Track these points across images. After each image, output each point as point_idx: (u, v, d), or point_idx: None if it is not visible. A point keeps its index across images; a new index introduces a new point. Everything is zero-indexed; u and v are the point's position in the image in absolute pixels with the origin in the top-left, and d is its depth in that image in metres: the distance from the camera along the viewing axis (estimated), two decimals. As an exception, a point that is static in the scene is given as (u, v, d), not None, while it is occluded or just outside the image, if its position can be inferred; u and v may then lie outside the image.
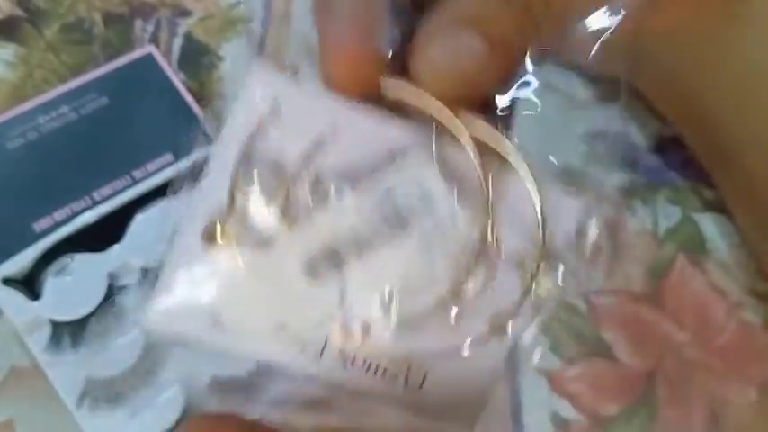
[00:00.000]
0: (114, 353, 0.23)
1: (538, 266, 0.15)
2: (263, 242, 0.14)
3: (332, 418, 0.16)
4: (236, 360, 0.24)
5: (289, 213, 0.14)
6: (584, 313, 0.27)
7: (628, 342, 0.27)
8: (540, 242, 0.16)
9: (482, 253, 0.14)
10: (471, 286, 0.15)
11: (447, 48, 0.14)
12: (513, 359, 0.26)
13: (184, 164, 0.26)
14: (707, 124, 0.27)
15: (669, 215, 0.30)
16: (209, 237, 0.14)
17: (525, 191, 0.15)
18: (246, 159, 0.14)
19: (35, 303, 0.24)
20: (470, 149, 0.15)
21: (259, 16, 0.31)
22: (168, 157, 0.26)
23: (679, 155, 0.31)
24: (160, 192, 0.26)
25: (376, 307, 0.14)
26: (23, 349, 0.24)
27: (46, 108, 0.27)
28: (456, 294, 0.14)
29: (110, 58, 0.29)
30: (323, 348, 0.15)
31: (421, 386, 0.15)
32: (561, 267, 0.16)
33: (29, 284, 0.24)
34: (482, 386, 0.16)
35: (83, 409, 0.23)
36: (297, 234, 0.14)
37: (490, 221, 0.15)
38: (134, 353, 0.23)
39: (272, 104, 0.14)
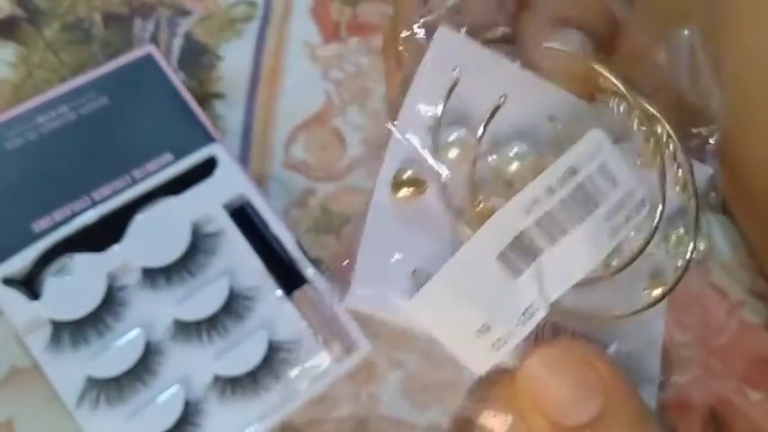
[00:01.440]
0: (114, 353, 0.23)
1: (696, 225, 0.16)
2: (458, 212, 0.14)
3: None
4: (236, 357, 0.24)
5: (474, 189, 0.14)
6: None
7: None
8: (692, 208, 0.16)
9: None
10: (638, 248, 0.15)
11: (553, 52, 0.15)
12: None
13: (184, 163, 0.27)
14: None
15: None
16: (398, 185, 0.14)
17: (670, 157, 0.16)
18: (438, 119, 0.14)
19: (35, 303, 0.24)
20: (638, 122, 0.15)
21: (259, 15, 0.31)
22: (168, 156, 0.26)
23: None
24: (160, 191, 0.26)
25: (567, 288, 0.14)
26: (23, 349, 0.24)
27: (46, 108, 0.27)
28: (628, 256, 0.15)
29: (110, 57, 0.29)
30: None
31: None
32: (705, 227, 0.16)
33: (29, 284, 0.24)
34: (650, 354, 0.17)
35: (82, 408, 0.23)
36: (490, 224, 0.14)
37: (663, 191, 0.15)
38: (134, 353, 0.23)
39: (455, 68, 0.15)
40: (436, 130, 0.14)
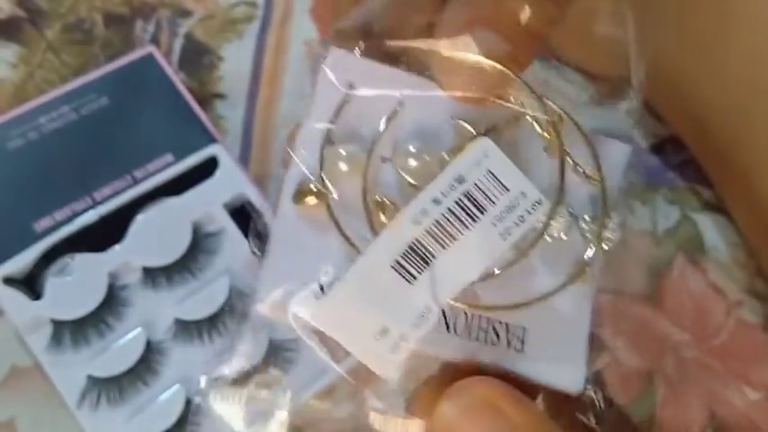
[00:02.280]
0: (115, 352, 0.23)
1: (603, 215, 0.16)
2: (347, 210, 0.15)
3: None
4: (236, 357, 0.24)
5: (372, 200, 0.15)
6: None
7: (627, 342, 0.27)
8: (599, 195, 0.17)
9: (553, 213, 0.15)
10: (547, 239, 0.16)
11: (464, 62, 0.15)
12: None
13: (185, 164, 0.27)
14: (706, 125, 0.27)
15: (668, 215, 0.30)
16: (299, 196, 0.15)
17: (581, 150, 0.17)
18: (330, 138, 0.15)
19: (36, 303, 0.24)
20: (532, 120, 0.16)
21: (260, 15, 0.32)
22: (169, 157, 0.26)
23: (678, 155, 0.31)
24: (161, 192, 0.26)
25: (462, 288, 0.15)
26: (24, 349, 0.24)
27: (47, 108, 0.27)
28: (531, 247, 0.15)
29: (110, 58, 0.29)
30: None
31: (522, 348, 0.16)
32: (616, 217, 0.17)
33: (30, 284, 0.24)
34: (575, 335, 0.16)
35: (84, 408, 0.23)
36: (383, 235, 0.15)
37: (560, 190, 0.16)
38: (135, 352, 0.23)
39: (349, 86, 0.16)
40: (323, 146, 0.15)
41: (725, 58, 0.26)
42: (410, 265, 0.15)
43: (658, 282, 0.28)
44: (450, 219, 0.15)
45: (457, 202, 0.15)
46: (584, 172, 0.17)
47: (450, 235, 0.15)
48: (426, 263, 0.15)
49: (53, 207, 0.25)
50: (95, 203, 0.25)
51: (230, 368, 0.24)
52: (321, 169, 0.15)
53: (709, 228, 0.29)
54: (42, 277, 0.24)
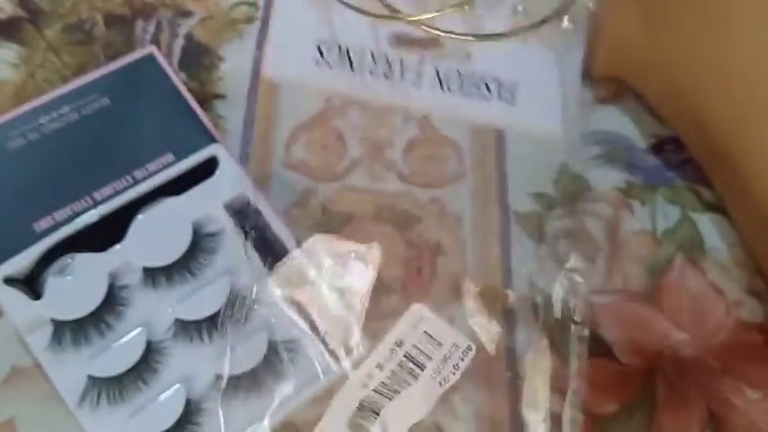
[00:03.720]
0: (115, 352, 0.23)
1: None
2: None
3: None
4: (237, 357, 0.24)
5: None
6: (584, 312, 0.27)
7: (627, 341, 0.27)
8: None
9: None
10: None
11: None
12: (513, 358, 0.27)
13: (185, 164, 0.27)
14: (706, 126, 0.27)
15: (668, 215, 0.30)
16: None
17: None
18: None
19: (36, 303, 0.24)
20: None
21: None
22: (169, 156, 0.26)
23: (677, 155, 0.31)
24: (161, 192, 0.26)
25: None
26: (25, 349, 0.24)
27: (47, 108, 0.27)
28: None
29: (111, 58, 0.29)
30: (419, 74, 0.15)
31: (514, 101, 0.17)
32: None
33: (30, 284, 0.24)
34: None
35: (84, 407, 0.23)
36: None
37: None
38: (135, 352, 0.24)
39: None
40: None
41: (724, 59, 0.26)
42: (363, 419, 0.17)
43: (658, 281, 0.28)
44: (395, 378, 0.17)
45: (399, 364, 0.17)
46: None
47: (396, 390, 0.17)
48: (377, 414, 0.17)
49: (53, 207, 0.25)
50: (96, 203, 0.25)
51: (230, 368, 0.24)
52: None
53: (709, 227, 0.30)
54: (43, 277, 0.24)
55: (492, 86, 0.16)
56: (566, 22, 0.16)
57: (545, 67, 0.15)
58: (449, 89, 0.15)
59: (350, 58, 0.15)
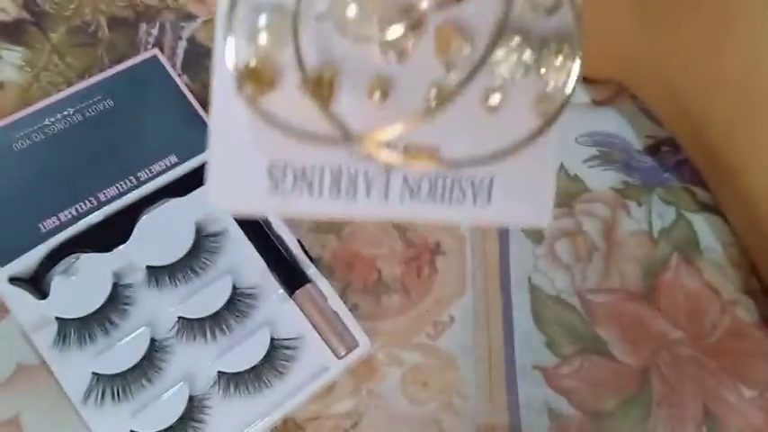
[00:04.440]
0: (119, 350, 0.24)
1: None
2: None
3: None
4: (239, 354, 0.24)
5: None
6: (581, 311, 0.28)
7: (623, 339, 0.27)
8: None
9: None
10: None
11: None
12: (512, 359, 0.27)
13: (188, 165, 0.27)
14: (701, 127, 0.28)
15: (664, 215, 0.30)
16: (240, 82, 0.13)
17: None
18: (247, 7, 0.13)
19: (42, 302, 0.24)
20: None
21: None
22: (173, 158, 0.27)
23: (674, 156, 0.31)
24: (165, 192, 0.26)
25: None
26: (30, 347, 0.24)
27: (52, 110, 0.27)
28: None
29: (115, 61, 0.29)
30: (386, 186, 0.14)
31: (489, 200, 0.14)
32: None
33: (35, 283, 0.24)
34: (543, 173, 0.15)
35: (88, 405, 0.23)
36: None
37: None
38: (139, 350, 0.24)
39: None
40: (231, 16, 0.12)
41: (720, 62, 0.26)
42: None
43: (654, 281, 0.29)
44: None
45: None
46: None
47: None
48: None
49: (58, 208, 0.25)
50: (100, 204, 0.26)
51: (232, 366, 0.24)
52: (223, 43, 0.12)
53: (705, 227, 0.30)
54: (48, 277, 0.24)
55: (466, 187, 0.15)
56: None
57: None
58: (419, 198, 0.14)
59: (308, 181, 0.14)
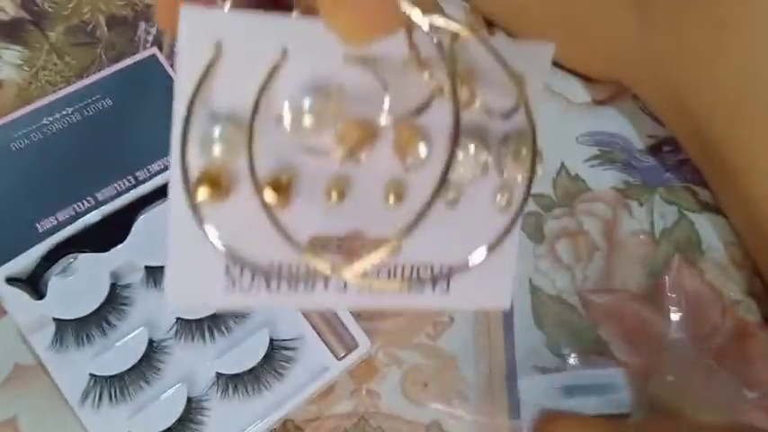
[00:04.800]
0: (117, 351, 0.24)
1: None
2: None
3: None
4: (238, 355, 0.24)
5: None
6: (581, 311, 0.28)
7: (624, 340, 0.27)
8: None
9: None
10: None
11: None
12: (512, 359, 0.27)
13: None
14: (702, 127, 0.27)
15: (665, 215, 0.30)
16: (194, 188, 0.13)
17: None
18: (203, 116, 0.13)
19: (39, 302, 0.24)
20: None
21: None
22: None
23: (675, 156, 0.31)
24: (163, 192, 0.26)
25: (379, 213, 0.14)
26: (27, 347, 0.24)
27: (50, 109, 0.27)
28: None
29: (114, 60, 0.29)
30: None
31: (448, 288, 0.15)
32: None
33: (33, 284, 0.24)
34: (502, 260, 0.15)
35: (86, 406, 0.23)
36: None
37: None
38: (137, 351, 0.24)
39: (216, 49, 0.12)
40: (186, 126, 0.13)
41: (720, 62, 0.26)
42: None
43: (656, 281, 0.28)
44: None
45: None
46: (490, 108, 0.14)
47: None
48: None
49: (56, 207, 0.25)
50: (98, 204, 0.26)
51: (231, 367, 0.24)
52: (182, 155, 0.12)
53: (707, 227, 0.30)
54: (45, 277, 0.24)
55: (424, 277, 0.14)
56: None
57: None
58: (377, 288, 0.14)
59: (265, 278, 0.14)
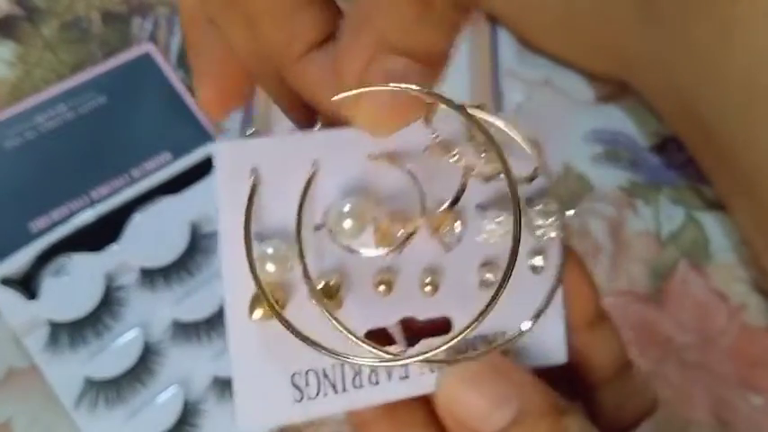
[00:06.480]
0: (113, 353, 0.23)
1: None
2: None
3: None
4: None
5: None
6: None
7: (630, 342, 0.27)
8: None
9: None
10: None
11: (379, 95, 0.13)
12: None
13: (182, 162, 0.26)
14: (708, 129, 0.27)
15: (671, 215, 0.29)
16: (251, 308, 0.14)
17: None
18: (254, 237, 0.14)
19: (33, 304, 0.24)
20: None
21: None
22: (166, 155, 0.26)
23: (681, 153, 0.31)
24: (158, 191, 0.26)
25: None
26: (21, 350, 0.24)
27: (44, 107, 0.27)
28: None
29: (108, 56, 0.29)
30: (406, 367, 0.15)
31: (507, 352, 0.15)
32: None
33: (26, 285, 0.24)
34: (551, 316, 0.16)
35: (81, 409, 0.23)
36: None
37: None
38: (132, 353, 0.23)
39: (254, 175, 0.14)
40: (249, 252, 0.13)
41: (727, 62, 0.25)
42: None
43: (661, 284, 0.28)
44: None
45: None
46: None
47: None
48: None
49: (50, 206, 0.25)
50: (93, 202, 0.25)
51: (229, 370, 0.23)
52: (256, 278, 0.13)
53: (714, 227, 0.29)
54: (39, 277, 0.24)
55: (480, 347, 0.15)
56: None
57: None
58: (437, 369, 0.14)
59: (330, 381, 0.14)
